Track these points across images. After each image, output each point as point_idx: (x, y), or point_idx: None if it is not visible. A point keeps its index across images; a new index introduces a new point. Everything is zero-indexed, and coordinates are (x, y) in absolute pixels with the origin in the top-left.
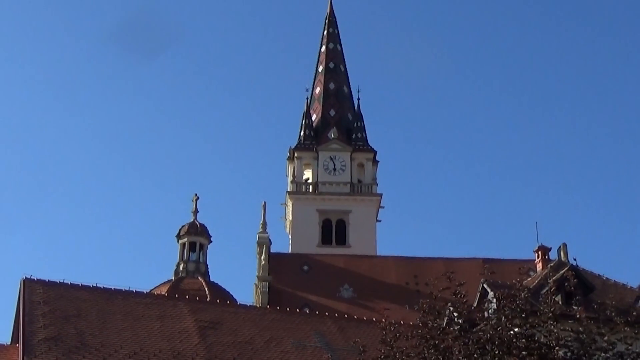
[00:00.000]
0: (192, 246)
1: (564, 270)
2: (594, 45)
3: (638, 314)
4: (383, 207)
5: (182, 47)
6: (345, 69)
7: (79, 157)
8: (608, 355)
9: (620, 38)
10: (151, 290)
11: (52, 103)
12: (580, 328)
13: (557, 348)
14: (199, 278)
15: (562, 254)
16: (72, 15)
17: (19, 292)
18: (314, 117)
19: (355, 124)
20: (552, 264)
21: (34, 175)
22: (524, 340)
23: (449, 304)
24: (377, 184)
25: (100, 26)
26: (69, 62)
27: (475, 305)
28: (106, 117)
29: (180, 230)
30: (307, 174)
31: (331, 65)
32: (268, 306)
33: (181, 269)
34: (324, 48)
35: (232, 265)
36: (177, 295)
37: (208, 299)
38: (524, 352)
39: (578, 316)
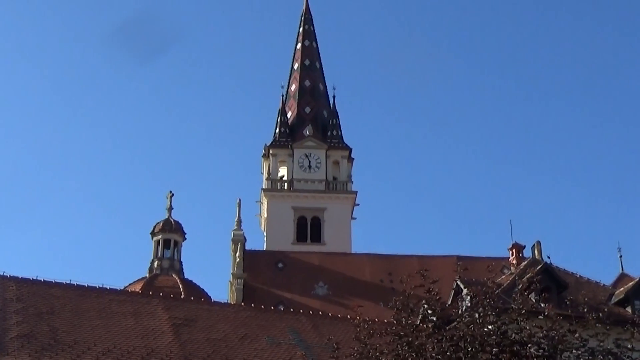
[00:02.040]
0: (166, 243)
1: (537, 268)
2: (567, 45)
3: (610, 311)
4: (358, 205)
5: (161, 47)
6: (321, 66)
7: (51, 155)
8: (579, 352)
9: (606, 37)
10: (125, 288)
11: (32, 100)
12: (551, 325)
13: (529, 345)
14: (174, 275)
15: (536, 251)
16: (71, 17)
17: None
18: (289, 115)
19: (330, 121)
20: (525, 262)
21: (7, 172)
22: (494, 337)
23: (423, 301)
24: (352, 182)
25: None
26: (61, 63)
27: (449, 302)
28: (82, 116)
29: (154, 227)
30: (282, 171)
31: (307, 62)
32: (242, 303)
33: (155, 266)
34: (299, 45)
35: (207, 263)
36: (151, 293)
37: (182, 296)
38: (496, 349)
39: (547, 313)
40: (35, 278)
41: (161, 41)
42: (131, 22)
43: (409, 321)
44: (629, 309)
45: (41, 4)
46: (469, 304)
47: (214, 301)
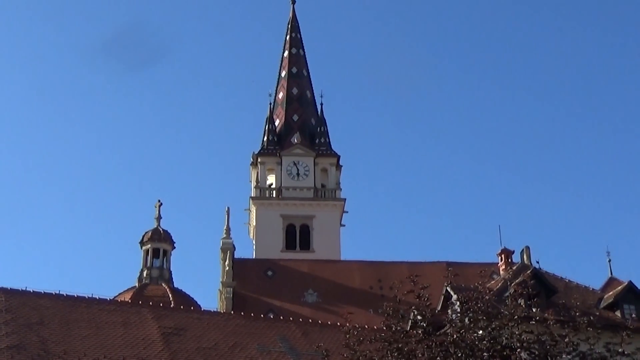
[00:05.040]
0: (155, 252)
1: (526, 273)
2: (556, 50)
3: (600, 315)
4: (347, 212)
5: (151, 57)
6: (308, 73)
7: (39, 164)
8: (570, 356)
9: (590, 42)
10: (115, 297)
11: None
12: (542, 330)
13: (519, 350)
14: (163, 284)
15: (525, 257)
16: (63, 27)
17: None
18: (277, 122)
19: (318, 128)
20: (515, 267)
21: None
22: (485, 342)
23: (413, 308)
24: (341, 189)
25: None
26: (52, 73)
27: (439, 308)
28: (71, 126)
29: (143, 236)
30: (271, 179)
31: (294, 70)
32: (232, 312)
33: (145, 275)
34: (286, 53)
35: (196, 271)
36: (140, 302)
37: (172, 305)
38: (486, 354)
39: (538, 318)
40: (24, 289)
41: (151, 51)
42: (121, 33)
43: (399, 327)
44: (618, 313)
45: (33, 13)
46: (459, 310)
47: (204, 310)
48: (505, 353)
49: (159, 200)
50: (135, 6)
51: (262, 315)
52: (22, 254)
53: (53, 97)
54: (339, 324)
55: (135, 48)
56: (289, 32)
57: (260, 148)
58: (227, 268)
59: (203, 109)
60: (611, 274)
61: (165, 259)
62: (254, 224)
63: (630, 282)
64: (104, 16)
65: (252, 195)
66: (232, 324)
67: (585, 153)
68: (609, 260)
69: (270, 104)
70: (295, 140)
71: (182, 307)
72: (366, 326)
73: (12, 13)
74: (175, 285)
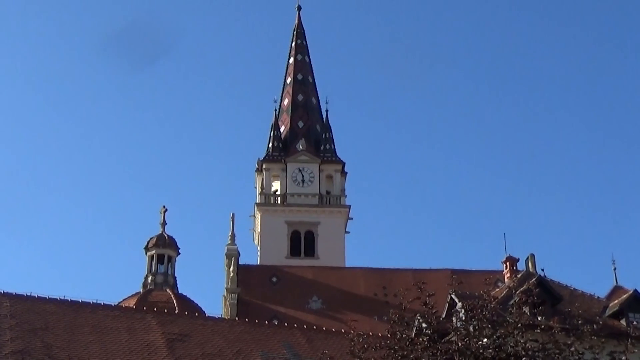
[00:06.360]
0: (160, 258)
1: (531, 281)
2: (562, 53)
3: (604, 323)
4: (352, 219)
5: (153, 58)
6: (314, 80)
7: (43, 169)
8: None
9: (599, 46)
10: (119, 303)
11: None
12: (546, 338)
13: (524, 358)
14: (168, 290)
15: (529, 264)
16: (66, 24)
17: None
18: (282, 129)
19: (323, 135)
20: (520, 275)
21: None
22: (490, 350)
23: (418, 315)
24: (346, 196)
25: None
26: (54, 72)
27: (443, 316)
28: (75, 130)
29: (148, 242)
30: (276, 186)
31: (299, 76)
32: (237, 318)
33: (149, 281)
34: (292, 60)
35: (201, 277)
36: (145, 308)
37: (176, 311)
38: None
39: (542, 326)
40: (29, 294)
41: (153, 53)
42: (125, 31)
43: (404, 335)
44: (623, 322)
45: (36, 10)
46: (464, 317)
47: (208, 316)
48: None
49: (164, 206)
50: (139, 9)
51: (266, 322)
52: (26, 259)
53: (57, 98)
54: (343, 331)
55: (136, 50)
56: (294, 38)
57: (265, 154)
58: (232, 274)
59: (209, 115)
60: (616, 282)
61: (170, 265)
62: (259, 230)
63: (635, 291)
64: (106, 13)
65: (257, 202)
66: (237, 331)
67: (590, 161)
68: (614, 269)
69: (276, 110)
70: (301, 147)
71: (186, 313)
72: (371, 333)
73: (16, 10)
74: (179, 291)
